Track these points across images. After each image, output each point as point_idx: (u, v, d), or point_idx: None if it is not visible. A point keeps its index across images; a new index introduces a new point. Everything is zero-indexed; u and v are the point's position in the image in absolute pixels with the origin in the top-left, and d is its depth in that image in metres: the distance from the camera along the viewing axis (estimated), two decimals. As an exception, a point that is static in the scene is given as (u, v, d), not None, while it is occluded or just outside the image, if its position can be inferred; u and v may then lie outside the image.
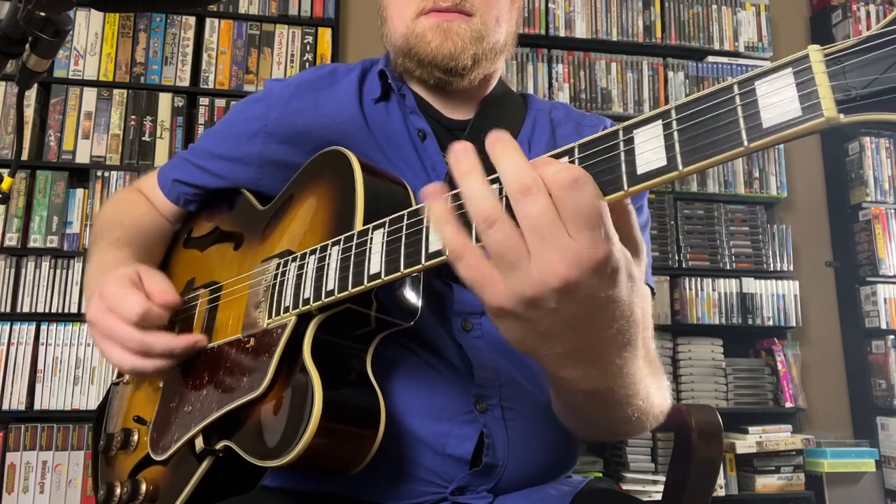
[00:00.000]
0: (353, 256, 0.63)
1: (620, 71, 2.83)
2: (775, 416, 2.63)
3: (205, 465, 0.73)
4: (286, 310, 0.70)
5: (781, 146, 2.88)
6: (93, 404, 2.31)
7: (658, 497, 2.27)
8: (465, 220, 0.49)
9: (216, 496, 0.74)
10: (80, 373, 2.32)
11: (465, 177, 0.46)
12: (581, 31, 2.82)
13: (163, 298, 0.76)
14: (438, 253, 0.53)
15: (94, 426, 0.99)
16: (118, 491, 0.81)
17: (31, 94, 2.43)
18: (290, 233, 0.79)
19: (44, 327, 2.33)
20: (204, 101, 2.56)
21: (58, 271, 2.37)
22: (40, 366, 2.30)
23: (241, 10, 2.65)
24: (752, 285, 2.71)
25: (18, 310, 2.32)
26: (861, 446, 2.61)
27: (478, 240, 0.47)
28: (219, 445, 0.72)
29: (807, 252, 2.93)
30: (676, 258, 2.70)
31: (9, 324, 2.30)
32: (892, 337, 2.73)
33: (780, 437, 2.53)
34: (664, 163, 0.43)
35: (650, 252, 0.92)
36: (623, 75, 2.83)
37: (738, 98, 0.41)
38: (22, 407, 2.27)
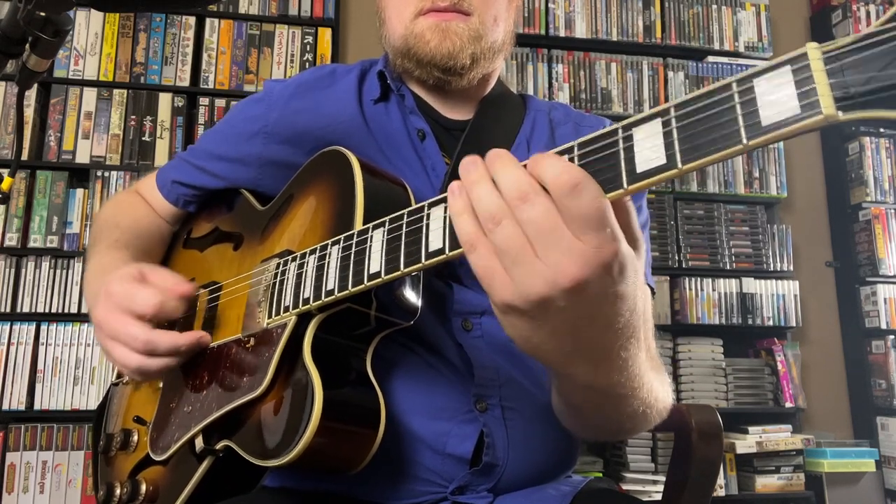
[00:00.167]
0: (352, 256, 0.63)
1: (620, 71, 2.83)
2: (775, 416, 2.63)
3: (205, 464, 0.73)
4: (286, 309, 0.70)
5: (781, 146, 2.88)
6: (93, 404, 2.31)
7: (658, 497, 2.27)
8: None
9: (216, 496, 0.74)
10: (79, 373, 2.32)
11: (474, 185, 0.47)
12: (581, 31, 2.82)
13: (180, 290, 0.76)
14: (439, 251, 0.53)
15: (94, 427, 0.99)
16: (118, 491, 0.81)
17: (31, 94, 2.43)
18: (290, 232, 0.79)
19: (44, 327, 2.33)
20: (204, 101, 2.56)
21: (58, 271, 2.37)
22: (40, 366, 2.30)
23: (241, 10, 2.66)
24: (752, 285, 2.71)
25: (18, 310, 2.32)
26: (861, 446, 2.61)
27: None
28: (219, 445, 0.72)
29: (807, 252, 2.93)
30: (676, 258, 2.70)
31: (9, 324, 2.30)
32: (892, 337, 2.73)
33: (780, 437, 2.53)
34: (663, 161, 0.43)
35: (650, 251, 0.92)
36: (623, 75, 2.83)
37: (736, 96, 0.41)
38: (22, 407, 2.27)
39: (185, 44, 2.60)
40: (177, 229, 1.04)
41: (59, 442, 2.27)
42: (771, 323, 2.70)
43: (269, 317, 0.73)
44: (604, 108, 2.78)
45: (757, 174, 2.84)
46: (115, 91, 2.52)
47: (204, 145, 0.98)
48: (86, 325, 2.35)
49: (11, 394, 2.26)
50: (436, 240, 0.53)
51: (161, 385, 0.86)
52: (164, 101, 2.54)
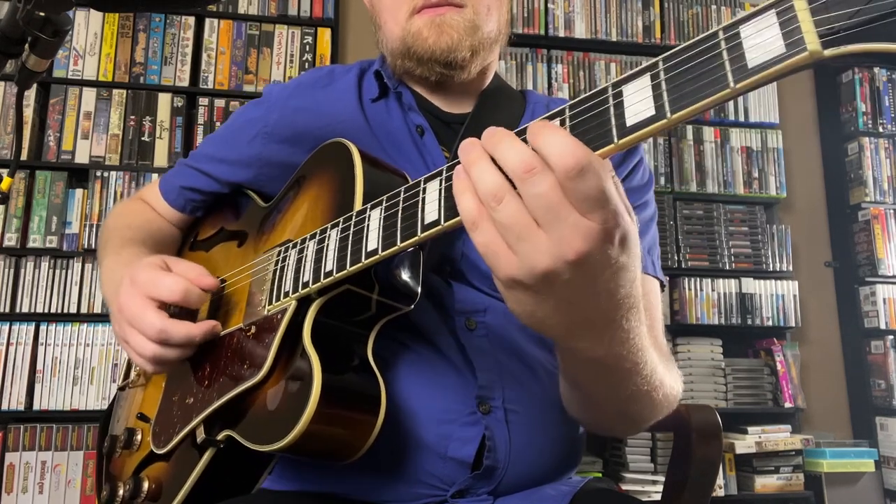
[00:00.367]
0: (350, 236, 0.64)
1: (620, 71, 2.83)
2: (774, 416, 2.64)
3: (206, 457, 0.73)
4: (286, 294, 0.71)
5: (780, 146, 2.88)
6: (92, 404, 2.31)
7: (657, 497, 2.27)
8: None
9: (216, 494, 0.74)
10: (79, 373, 2.32)
11: (473, 165, 0.47)
12: (580, 31, 2.82)
13: (205, 283, 0.75)
14: (434, 223, 0.53)
15: (100, 432, 1.00)
16: (121, 491, 0.81)
17: (31, 94, 2.43)
18: (292, 224, 0.79)
19: (43, 327, 2.33)
20: (203, 101, 2.56)
21: (57, 271, 2.37)
22: (39, 366, 2.30)
23: (241, 11, 2.66)
24: (751, 285, 2.71)
25: (17, 310, 2.32)
26: (860, 446, 2.61)
27: None
28: (220, 436, 0.72)
29: (806, 252, 2.93)
30: (676, 258, 2.70)
31: (8, 324, 2.30)
32: (891, 337, 2.73)
33: (779, 437, 2.53)
34: (652, 112, 0.44)
35: (657, 245, 0.93)
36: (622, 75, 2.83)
37: (723, 42, 0.42)
38: (21, 407, 2.27)
39: (184, 44, 2.60)
40: (183, 234, 1.04)
41: (58, 442, 2.27)
42: (770, 323, 2.70)
43: (270, 303, 0.73)
44: (603, 108, 2.78)
45: (756, 174, 2.84)
46: (115, 91, 2.52)
47: (205, 149, 0.98)
48: (85, 325, 2.35)
49: (10, 394, 2.26)
50: (431, 212, 0.54)
51: (164, 382, 0.86)
52: (164, 101, 2.54)
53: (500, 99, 0.95)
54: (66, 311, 2.34)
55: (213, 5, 2.64)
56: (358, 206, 0.68)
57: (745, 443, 2.50)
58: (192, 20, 2.63)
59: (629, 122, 0.44)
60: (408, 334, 0.79)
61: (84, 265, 2.38)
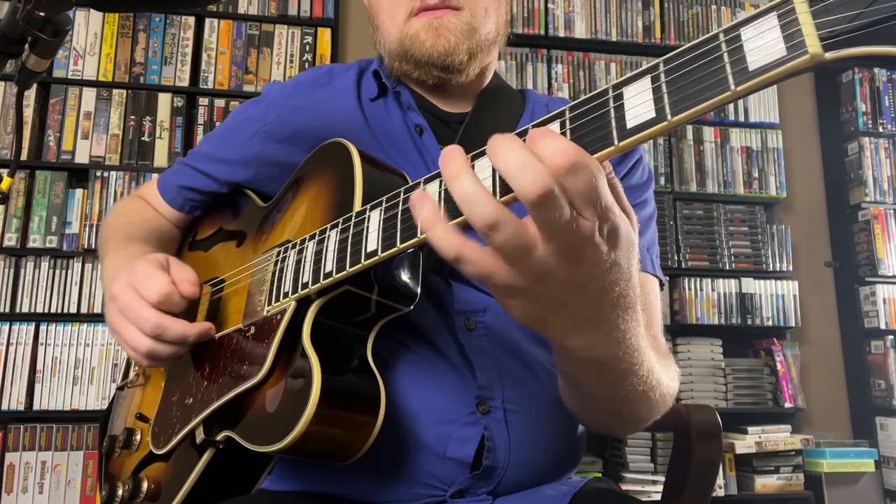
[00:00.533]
0: (350, 237, 0.64)
1: (620, 71, 2.83)
2: (774, 416, 2.64)
3: (205, 457, 0.73)
4: (285, 295, 0.71)
5: (780, 146, 2.88)
6: (92, 404, 2.31)
7: (657, 497, 2.27)
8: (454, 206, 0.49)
9: (216, 494, 0.74)
10: (79, 373, 2.32)
11: (454, 179, 0.46)
12: (580, 31, 2.82)
13: (185, 290, 0.76)
14: None
15: (101, 431, 1.00)
16: (120, 491, 0.81)
17: (31, 94, 2.43)
18: (291, 224, 0.79)
19: (43, 327, 2.33)
20: (203, 101, 2.56)
21: (57, 271, 2.37)
22: (39, 366, 2.30)
23: (241, 11, 2.66)
24: (751, 285, 2.71)
25: (17, 310, 2.32)
26: (860, 446, 2.61)
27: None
28: (219, 436, 0.72)
29: (806, 252, 2.93)
30: (676, 258, 2.70)
31: (8, 324, 2.30)
32: (891, 337, 2.73)
33: (779, 437, 2.53)
34: (653, 114, 0.44)
35: (657, 243, 0.93)
36: (622, 76, 2.82)
37: (723, 45, 0.42)
38: (21, 407, 2.27)
39: (184, 44, 2.60)
40: (182, 234, 1.04)
41: (58, 442, 2.27)
42: (770, 323, 2.70)
43: (269, 304, 0.73)
44: (603, 108, 2.78)
45: (756, 174, 2.84)
46: (115, 91, 2.52)
47: (204, 149, 0.98)
48: (85, 325, 2.35)
49: (10, 394, 2.26)
50: None
51: (164, 382, 0.86)
52: (164, 101, 2.54)
53: (499, 98, 0.95)
54: (66, 311, 2.34)
55: (213, 5, 2.64)
56: (357, 206, 0.68)
57: (745, 443, 2.50)
58: (192, 20, 2.63)
59: (629, 124, 0.44)
60: (407, 334, 0.79)
61: (84, 265, 2.38)
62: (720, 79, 0.41)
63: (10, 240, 2.34)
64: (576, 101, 0.48)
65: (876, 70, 2.93)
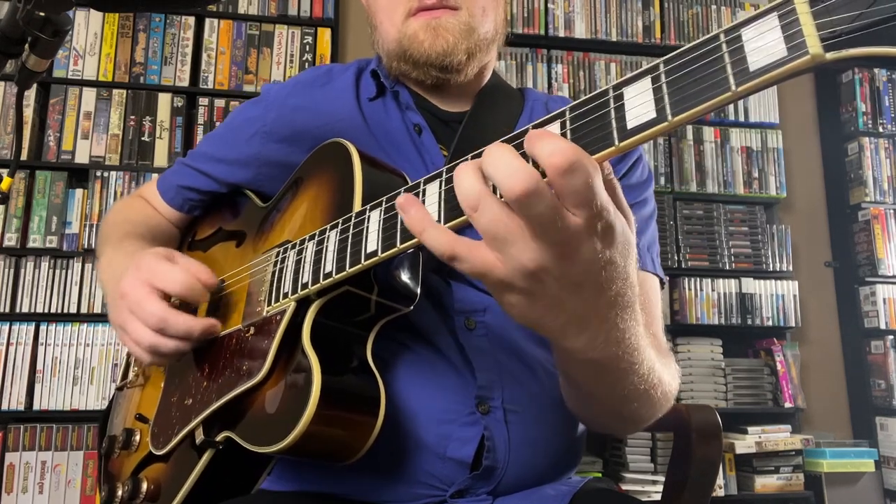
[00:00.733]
0: (350, 238, 0.64)
1: (620, 71, 2.83)
2: (774, 416, 2.64)
3: (205, 458, 0.73)
4: (285, 296, 0.70)
5: (780, 146, 2.88)
6: (92, 404, 2.31)
7: (657, 497, 2.27)
8: (451, 204, 0.51)
9: (215, 495, 0.74)
10: (79, 373, 2.32)
11: (455, 177, 0.48)
12: (580, 31, 2.82)
13: (207, 279, 0.75)
14: None
15: (100, 432, 1.00)
16: (119, 491, 0.81)
17: (31, 94, 2.43)
18: (291, 224, 0.79)
19: (43, 327, 2.33)
20: (203, 101, 2.56)
21: (57, 271, 2.37)
22: (39, 366, 2.30)
23: (241, 11, 2.66)
24: (751, 285, 2.71)
25: (17, 310, 2.32)
26: (860, 446, 2.61)
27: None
28: (219, 437, 0.72)
29: (806, 252, 2.93)
30: (676, 258, 2.70)
31: (8, 324, 2.30)
32: (891, 337, 2.73)
33: (779, 437, 2.53)
34: (653, 115, 0.44)
35: (657, 242, 0.93)
36: (622, 76, 2.82)
37: (724, 45, 0.42)
38: (21, 407, 2.27)
39: (184, 44, 2.60)
40: (182, 234, 1.04)
41: (58, 442, 2.27)
42: (770, 323, 2.70)
43: (269, 304, 0.73)
44: (603, 108, 2.78)
45: (756, 174, 2.84)
46: (115, 91, 2.52)
47: (203, 149, 0.98)
48: (85, 325, 2.35)
49: (10, 394, 2.26)
50: (432, 214, 0.54)
51: (163, 382, 0.86)
52: (164, 101, 2.54)
53: (498, 97, 0.95)
54: (66, 311, 2.34)
55: (213, 5, 2.64)
56: (357, 206, 0.68)
57: (745, 443, 2.50)
58: (192, 20, 2.63)
59: (630, 124, 0.44)
60: (407, 334, 0.78)
61: (84, 265, 2.38)
62: (721, 79, 0.41)
63: (10, 240, 2.34)
64: (576, 102, 0.48)
65: (876, 70, 2.93)
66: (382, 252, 0.59)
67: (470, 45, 0.86)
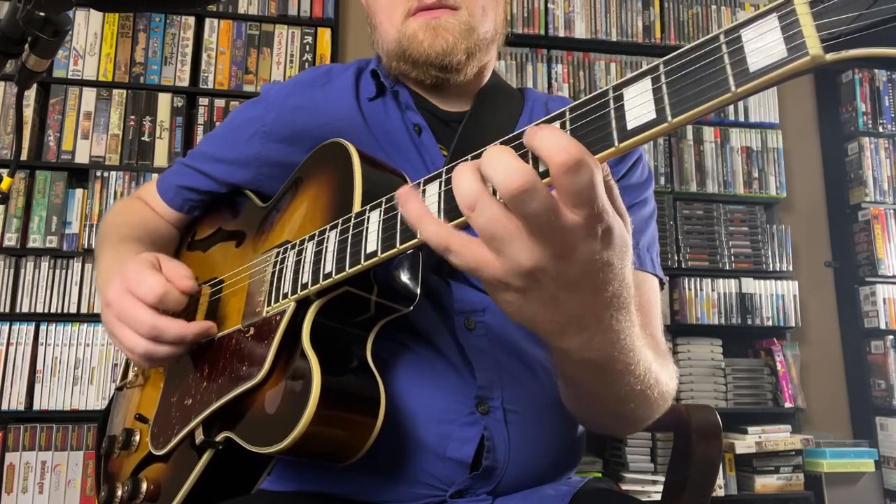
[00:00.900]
0: (350, 238, 0.64)
1: (620, 71, 2.83)
2: (774, 416, 2.64)
3: (205, 458, 0.73)
4: (285, 296, 0.70)
5: (780, 146, 2.88)
6: (92, 404, 2.31)
7: (657, 497, 2.27)
8: (450, 205, 0.51)
9: (215, 495, 0.74)
10: (79, 373, 2.32)
11: (454, 176, 0.48)
12: (580, 31, 2.82)
13: (183, 285, 0.75)
14: None
15: (99, 432, 0.99)
16: (119, 492, 0.81)
17: (31, 94, 2.43)
18: (291, 225, 0.79)
19: (43, 327, 2.33)
20: (203, 101, 2.56)
21: (57, 271, 2.37)
22: (39, 366, 2.30)
23: (241, 11, 2.66)
24: (751, 285, 2.71)
25: (17, 310, 2.32)
26: (860, 446, 2.61)
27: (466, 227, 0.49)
28: (219, 437, 0.72)
29: (806, 252, 2.93)
30: (676, 258, 2.70)
31: (8, 324, 2.30)
32: (891, 337, 2.73)
33: (779, 437, 2.53)
34: (653, 116, 0.44)
35: (657, 242, 0.93)
36: (622, 75, 2.82)
37: (724, 46, 0.42)
38: (21, 407, 2.27)
39: (184, 44, 2.60)
40: (181, 234, 1.04)
41: (58, 442, 2.27)
42: (770, 323, 2.70)
43: (269, 305, 0.73)
44: (603, 108, 2.78)
45: (756, 174, 2.84)
46: (115, 91, 2.52)
47: (203, 149, 0.98)
48: (85, 325, 2.35)
49: (10, 394, 2.26)
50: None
51: (163, 382, 0.86)
52: (164, 101, 2.54)
53: (497, 97, 0.95)
54: (66, 311, 2.34)
55: (213, 5, 2.64)
56: (357, 207, 0.68)
57: (745, 443, 2.50)
58: (192, 20, 2.63)
59: (630, 125, 0.44)
60: (407, 334, 0.78)
61: (84, 265, 2.38)
62: (721, 80, 0.41)
63: (10, 240, 2.34)
64: (576, 102, 0.49)
65: (876, 70, 2.93)
66: (382, 252, 0.59)
67: (469, 44, 0.86)
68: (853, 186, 2.92)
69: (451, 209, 0.52)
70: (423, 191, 0.56)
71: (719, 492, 2.48)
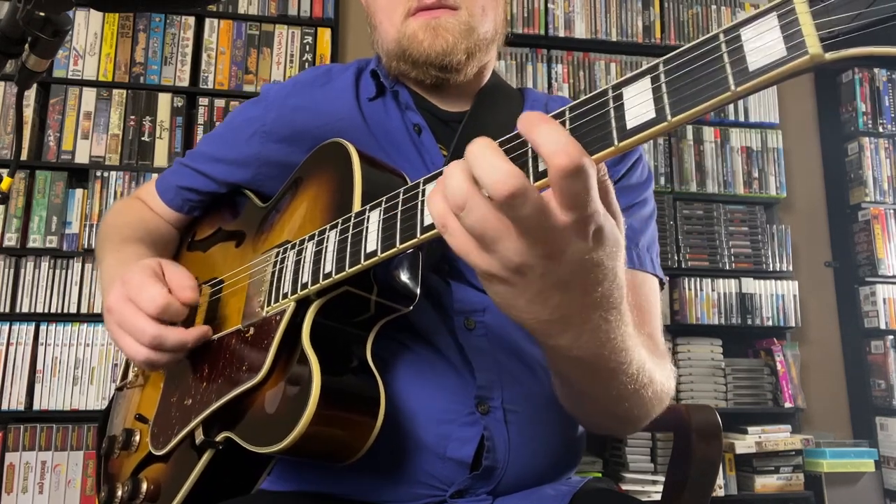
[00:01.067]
0: (349, 238, 0.64)
1: (620, 71, 2.83)
2: (774, 416, 2.64)
3: (205, 458, 0.73)
4: (285, 296, 0.71)
5: (780, 146, 2.88)
6: (92, 404, 2.31)
7: (657, 497, 2.27)
8: None
9: (215, 495, 0.74)
10: (79, 373, 2.32)
11: (445, 175, 0.48)
12: (580, 31, 2.82)
13: (185, 297, 0.76)
14: (434, 225, 0.53)
15: (99, 432, 1.00)
16: (119, 492, 0.81)
17: (31, 94, 2.43)
18: (291, 225, 0.79)
19: (43, 327, 2.33)
20: (203, 101, 2.56)
21: (57, 271, 2.37)
22: (39, 366, 2.30)
23: (241, 11, 2.66)
24: (751, 285, 2.71)
25: (17, 310, 2.32)
26: (860, 446, 2.61)
27: None
28: (219, 437, 0.72)
29: (806, 252, 2.93)
30: (676, 258, 2.70)
31: (8, 324, 2.30)
32: (891, 337, 2.73)
33: (779, 437, 2.53)
34: (653, 115, 0.44)
35: (657, 242, 0.92)
36: (622, 75, 2.82)
37: (723, 45, 0.42)
38: (21, 407, 2.27)
39: (184, 44, 2.60)
40: (181, 234, 1.04)
41: (58, 442, 2.27)
42: (770, 323, 2.70)
43: (268, 305, 0.73)
44: (603, 108, 2.78)
45: (756, 174, 2.84)
46: (115, 91, 2.52)
47: (203, 149, 0.98)
48: (85, 325, 2.35)
49: (10, 394, 2.26)
50: (430, 215, 0.54)
51: (163, 382, 0.86)
52: (164, 101, 2.54)
53: (497, 97, 0.95)
54: (66, 311, 2.34)
55: (213, 5, 2.64)
56: (357, 207, 0.68)
57: (745, 443, 2.50)
58: (192, 20, 2.63)
59: (629, 124, 0.44)
60: (407, 334, 0.78)
61: (84, 265, 2.38)
62: (720, 79, 0.41)
63: (10, 240, 2.34)
64: (576, 102, 0.48)
65: (876, 70, 2.93)
66: (382, 252, 0.59)
67: (469, 44, 0.86)
68: (853, 186, 2.92)
69: None
70: (423, 190, 0.56)
71: (719, 492, 2.49)
